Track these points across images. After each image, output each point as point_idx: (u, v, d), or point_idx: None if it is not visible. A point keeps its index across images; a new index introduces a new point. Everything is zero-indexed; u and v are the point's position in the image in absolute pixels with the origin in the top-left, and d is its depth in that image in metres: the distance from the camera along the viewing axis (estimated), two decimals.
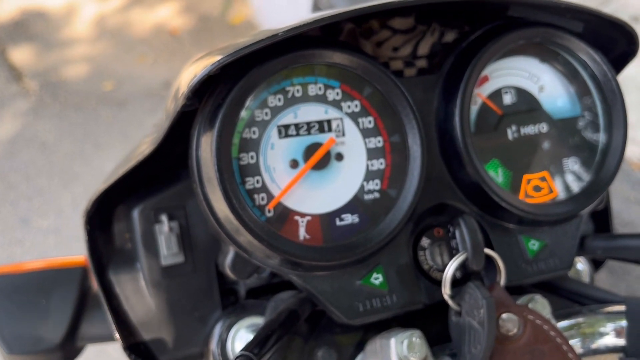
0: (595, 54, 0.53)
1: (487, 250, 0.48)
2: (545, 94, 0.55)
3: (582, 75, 0.55)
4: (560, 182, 0.53)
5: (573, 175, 0.54)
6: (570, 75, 0.55)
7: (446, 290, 0.47)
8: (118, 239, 0.56)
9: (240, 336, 0.52)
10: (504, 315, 0.45)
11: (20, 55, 2.91)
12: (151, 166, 0.50)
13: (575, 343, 0.48)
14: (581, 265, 0.62)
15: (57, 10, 3.16)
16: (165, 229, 0.52)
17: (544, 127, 0.53)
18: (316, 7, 1.10)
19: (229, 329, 0.53)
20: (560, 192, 0.53)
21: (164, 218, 0.53)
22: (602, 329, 0.49)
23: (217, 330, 0.53)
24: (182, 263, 0.53)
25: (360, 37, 0.54)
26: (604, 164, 0.53)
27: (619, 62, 0.56)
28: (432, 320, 0.50)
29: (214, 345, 0.52)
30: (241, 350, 0.38)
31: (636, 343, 0.47)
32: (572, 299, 0.55)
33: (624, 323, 0.48)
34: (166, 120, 0.47)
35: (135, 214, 0.53)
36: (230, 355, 0.51)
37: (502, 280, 0.49)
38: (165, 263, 0.53)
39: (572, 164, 0.54)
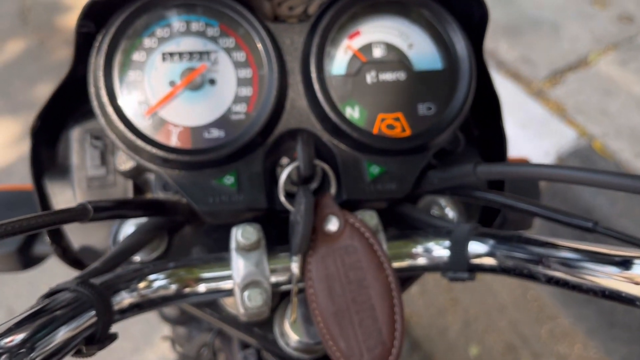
0: (445, 15, 0.62)
1: (318, 162, 0.58)
2: (414, 51, 0.64)
3: (442, 35, 0.64)
4: (414, 122, 0.62)
5: (425, 118, 0.62)
6: (434, 34, 0.64)
7: (280, 191, 0.57)
8: (60, 158, 0.68)
9: (129, 228, 0.62)
10: (328, 217, 0.55)
11: None
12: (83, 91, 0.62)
13: (397, 256, 0.57)
14: (449, 210, 0.68)
15: None
16: (89, 145, 0.64)
17: (402, 75, 0.62)
18: None
19: (122, 223, 0.63)
20: (413, 131, 0.62)
21: (89, 137, 0.64)
22: (424, 247, 0.57)
23: (115, 226, 0.64)
24: (103, 175, 0.65)
25: None
26: (447, 107, 0.62)
27: (480, 24, 0.64)
28: (284, 226, 0.59)
29: (110, 239, 0.63)
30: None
31: (454, 260, 0.56)
32: (414, 226, 0.63)
33: (447, 243, 0.56)
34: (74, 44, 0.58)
35: (72, 134, 0.66)
36: (120, 238, 0.62)
37: (333, 190, 0.58)
38: (90, 174, 0.64)
39: (426, 109, 0.62)
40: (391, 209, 0.64)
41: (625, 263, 0.45)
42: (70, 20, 3.49)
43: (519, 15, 2.76)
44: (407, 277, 0.65)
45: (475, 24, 0.64)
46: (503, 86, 2.45)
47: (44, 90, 3.02)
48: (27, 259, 0.74)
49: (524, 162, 0.70)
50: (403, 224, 0.63)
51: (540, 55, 2.55)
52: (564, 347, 2.23)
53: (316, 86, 0.59)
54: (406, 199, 0.63)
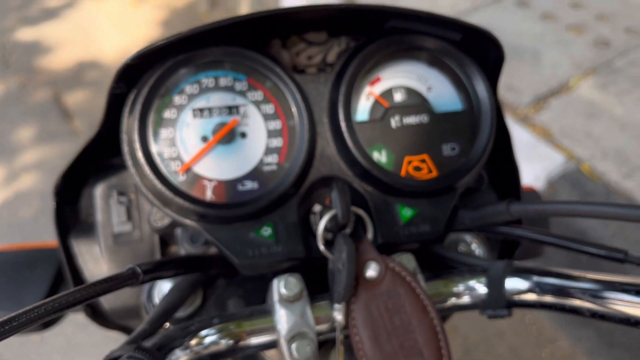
0: (466, 60, 0.64)
1: (355, 208, 0.59)
2: (433, 93, 0.65)
3: (461, 77, 0.66)
4: (440, 163, 0.63)
5: (450, 158, 0.64)
6: (452, 76, 0.66)
7: (319, 240, 0.57)
8: (83, 214, 0.68)
9: (163, 285, 0.62)
10: (369, 263, 0.55)
11: (73, 99, 3.15)
12: (109, 150, 0.62)
13: (437, 297, 0.58)
14: (475, 246, 0.70)
15: (111, 59, 3.41)
16: (115, 202, 0.64)
17: (425, 118, 0.64)
18: None
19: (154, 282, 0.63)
20: (439, 172, 0.63)
21: (114, 193, 0.64)
22: (463, 286, 0.58)
23: (147, 284, 0.63)
24: (130, 231, 0.64)
25: (282, 48, 0.66)
26: (473, 147, 0.63)
27: (496, 65, 0.67)
28: (320, 273, 0.60)
29: (144, 296, 0.63)
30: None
31: (493, 298, 0.56)
32: (447, 264, 0.64)
33: (484, 280, 0.57)
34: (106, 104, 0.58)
35: (96, 191, 0.66)
36: (156, 299, 0.61)
37: (370, 235, 0.59)
38: (116, 230, 0.64)
39: (450, 149, 0.64)
40: (422, 250, 0.64)
41: None
42: (50, 61, 3.49)
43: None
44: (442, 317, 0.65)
45: (491, 65, 0.66)
46: None
47: (26, 133, 2.99)
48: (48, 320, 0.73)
49: (554, 201, 0.71)
50: (435, 264, 0.64)
51: (523, 83, 2.62)
52: None
53: (345, 134, 0.60)
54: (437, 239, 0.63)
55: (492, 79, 0.67)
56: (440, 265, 0.63)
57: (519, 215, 0.56)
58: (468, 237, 0.68)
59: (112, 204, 0.65)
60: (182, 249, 0.67)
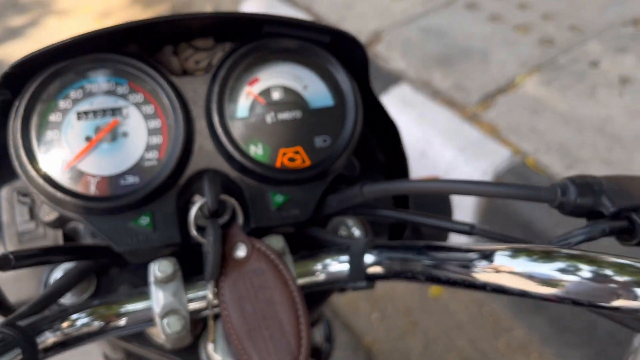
0: (330, 59, 0.71)
1: (225, 197, 0.65)
2: (309, 91, 0.72)
3: (330, 75, 0.72)
4: (312, 154, 0.69)
5: (322, 149, 0.70)
6: (324, 76, 0.72)
7: (191, 226, 0.63)
8: None
9: (57, 273, 0.67)
10: (237, 244, 0.61)
11: None
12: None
13: (304, 274, 0.64)
14: (355, 229, 0.76)
15: None
16: (17, 202, 0.69)
17: (298, 114, 0.70)
18: None
19: (52, 270, 0.68)
20: (312, 162, 0.69)
21: (17, 195, 0.70)
22: (329, 262, 0.64)
23: (45, 274, 0.68)
24: (33, 229, 0.69)
25: (173, 54, 0.72)
26: (338, 139, 0.70)
27: (362, 64, 0.74)
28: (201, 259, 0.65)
29: (42, 285, 0.68)
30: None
31: (353, 272, 0.63)
32: (321, 245, 0.70)
33: (346, 257, 0.64)
34: None
35: (1, 194, 0.70)
36: (50, 282, 0.66)
37: (240, 220, 0.65)
38: (20, 229, 0.69)
39: (322, 141, 0.70)
40: (302, 233, 0.70)
41: (488, 256, 0.53)
42: None
43: (451, 47, 2.93)
44: (321, 292, 0.71)
45: (358, 64, 0.73)
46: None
47: None
48: None
49: (403, 180, 0.78)
50: (313, 245, 0.70)
51: (471, 82, 2.71)
52: (522, 358, 2.31)
53: (218, 130, 0.66)
54: (315, 222, 0.69)
55: (363, 76, 0.74)
56: (316, 246, 0.69)
57: (372, 196, 0.63)
58: (350, 221, 0.75)
59: (15, 204, 0.70)
60: (85, 242, 0.72)
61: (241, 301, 0.59)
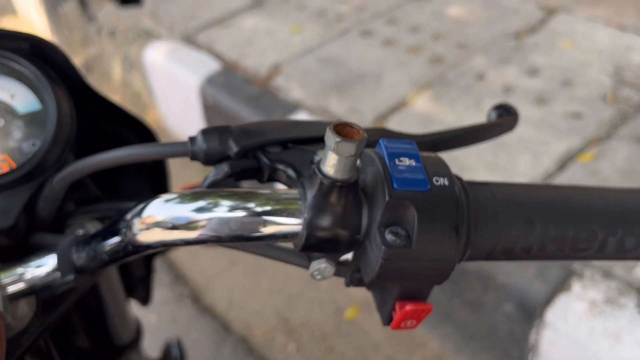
0: (26, 64, 0.70)
1: None
2: (17, 99, 0.70)
3: (33, 80, 0.71)
4: (20, 159, 0.68)
5: (31, 154, 0.68)
6: (26, 81, 0.71)
7: None
8: None
9: None
10: None
11: None
12: None
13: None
14: (92, 228, 0.73)
15: None
16: None
17: (1, 122, 0.69)
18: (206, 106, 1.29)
19: None
20: (17, 166, 0.67)
21: None
22: (32, 264, 0.63)
23: None
24: None
25: None
26: (44, 140, 0.69)
27: (68, 65, 0.73)
28: None
29: None
30: None
31: (63, 269, 0.62)
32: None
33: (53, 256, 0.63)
34: None
35: None
36: None
37: None
38: None
39: (31, 145, 0.69)
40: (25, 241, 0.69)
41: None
42: None
43: (346, 73, 3.01)
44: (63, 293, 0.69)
45: (67, 66, 0.73)
46: None
47: None
48: None
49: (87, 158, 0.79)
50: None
51: (366, 105, 2.78)
52: None
53: None
54: (44, 228, 0.68)
55: (77, 77, 0.74)
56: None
57: (63, 184, 0.65)
58: (90, 225, 0.74)
59: None
60: None
61: None
